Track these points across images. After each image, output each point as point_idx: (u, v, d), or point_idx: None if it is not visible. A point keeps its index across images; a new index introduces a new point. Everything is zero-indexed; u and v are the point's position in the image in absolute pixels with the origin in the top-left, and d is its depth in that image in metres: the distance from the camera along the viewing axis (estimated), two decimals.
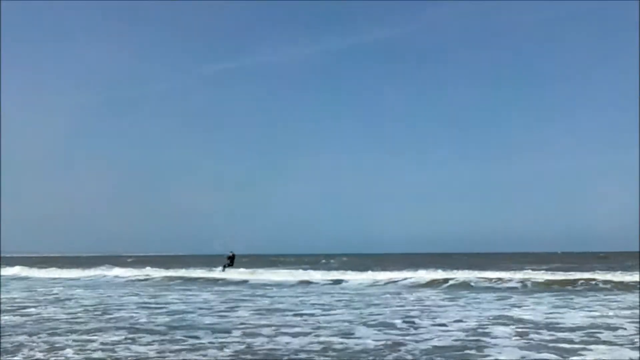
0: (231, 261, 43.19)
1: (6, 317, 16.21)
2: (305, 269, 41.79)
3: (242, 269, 41.76)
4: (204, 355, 10.44)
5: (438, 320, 15.25)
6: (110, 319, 15.87)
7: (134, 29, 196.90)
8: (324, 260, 64.45)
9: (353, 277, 32.52)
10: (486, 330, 13.32)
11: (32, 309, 18.45)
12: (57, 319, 15.74)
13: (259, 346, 11.32)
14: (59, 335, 12.79)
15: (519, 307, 18.59)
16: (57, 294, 25.76)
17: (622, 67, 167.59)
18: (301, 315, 16.66)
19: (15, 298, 23.32)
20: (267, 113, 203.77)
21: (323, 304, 19.96)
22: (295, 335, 12.72)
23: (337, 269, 43.17)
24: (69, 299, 22.51)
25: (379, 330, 13.48)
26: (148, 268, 46.33)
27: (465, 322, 14.94)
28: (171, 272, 40.90)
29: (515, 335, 12.50)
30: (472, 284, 28.41)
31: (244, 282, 33.76)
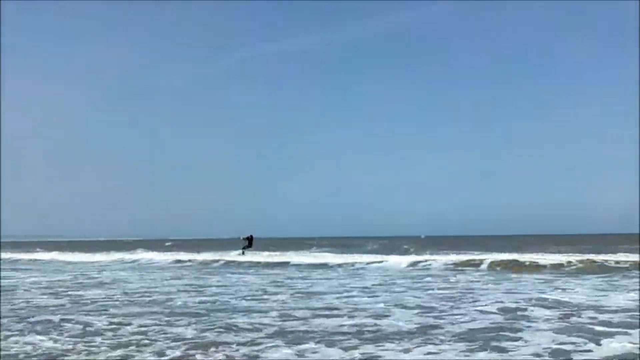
0: (249, 242, 42.55)
1: (46, 299, 16.61)
2: (343, 252, 41.70)
3: (278, 252, 41.93)
4: (238, 336, 10.48)
5: (477, 303, 15.06)
6: (151, 301, 16.10)
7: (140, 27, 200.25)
8: (364, 244, 64.10)
9: (393, 260, 32.27)
10: (525, 313, 13.09)
11: (73, 292, 18.87)
12: (97, 302, 16.04)
13: (292, 328, 11.33)
14: (95, 316, 13.03)
15: (562, 289, 18.25)
16: (99, 277, 26.30)
17: (621, 61, 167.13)
18: (340, 297, 16.64)
19: (56, 281, 23.88)
20: (284, 102, 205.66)
21: (362, 286, 19.90)
22: (330, 317, 12.70)
23: (376, 251, 42.94)
24: (112, 282, 22.96)
25: (416, 312, 13.36)
26: (183, 252, 46.59)
27: (505, 304, 14.71)
28: (212, 255, 41.23)
29: (553, 318, 12.24)
30: (514, 265, 27.93)
31: (285, 263, 33.97)
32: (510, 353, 8.88)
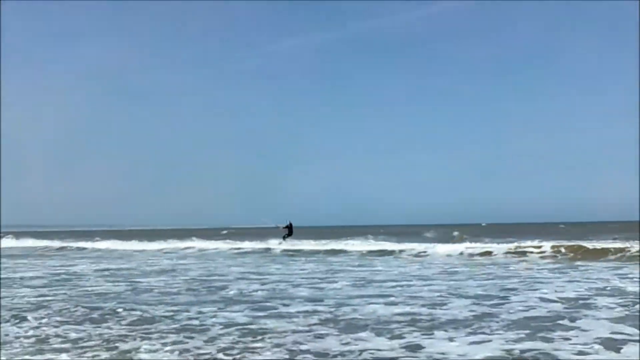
0: (289, 231, 41.94)
1: (109, 286, 17.06)
2: (401, 240, 40.96)
3: (325, 239, 41.70)
4: (291, 323, 10.54)
5: (538, 290, 14.72)
6: (210, 288, 16.35)
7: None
8: (422, 231, 62.40)
9: (453, 247, 31.55)
10: (586, 301, 12.70)
11: (135, 279, 19.36)
12: (157, 289, 16.40)
13: (345, 316, 11.31)
14: (154, 303, 13.31)
15: (627, 276, 17.63)
16: (161, 265, 26.90)
17: (622, 59, 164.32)
18: (397, 285, 16.54)
19: (119, 269, 24.54)
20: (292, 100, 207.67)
21: (421, 274, 19.73)
22: (385, 305, 12.62)
23: (435, 239, 42.10)
24: (173, 270, 23.44)
25: (473, 300, 13.14)
26: (239, 241, 46.21)
27: (566, 291, 14.34)
28: (262, 244, 41.24)
29: (614, 307, 11.81)
30: (577, 251, 27.01)
31: (342, 252, 33.96)
32: (558, 342, 8.61)
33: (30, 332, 9.93)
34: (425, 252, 30.80)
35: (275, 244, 39.84)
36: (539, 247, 28.63)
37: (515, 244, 30.89)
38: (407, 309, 12.03)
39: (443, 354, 8.11)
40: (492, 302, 12.81)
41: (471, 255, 28.74)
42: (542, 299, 13.15)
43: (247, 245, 41.46)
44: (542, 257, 26.46)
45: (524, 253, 27.87)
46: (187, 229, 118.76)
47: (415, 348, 8.49)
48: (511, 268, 21.69)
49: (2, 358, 8.24)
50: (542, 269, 21.33)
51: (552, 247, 28.10)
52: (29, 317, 11.44)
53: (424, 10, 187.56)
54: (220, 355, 8.22)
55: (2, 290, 16.37)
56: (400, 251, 31.76)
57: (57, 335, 9.66)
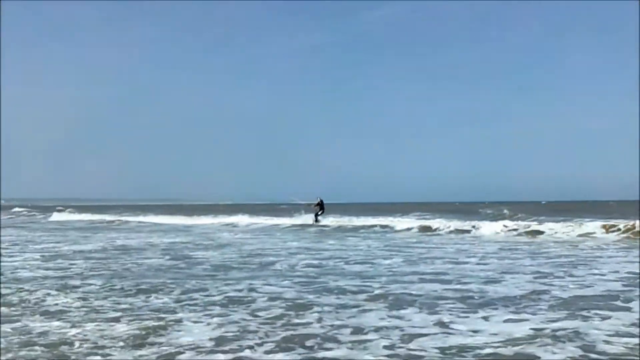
0: (321, 208, 40.03)
1: (163, 260, 17.38)
2: (459, 217, 40.24)
3: (379, 217, 41.30)
4: (337, 298, 10.53)
5: (597, 270, 14.31)
6: (262, 262, 16.51)
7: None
8: (480, 209, 60.73)
9: (512, 225, 30.65)
10: None
11: (190, 252, 19.76)
12: (209, 263, 16.66)
13: (392, 292, 11.21)
14: (204, 277, 13.51)
15: None
16: (214, 239, 27.37)
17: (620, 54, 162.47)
18: (450, 262, 16.37)
19: (174, 242, 25.07)
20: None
21: (476, 252, 19.46)
22: (434, 282, 12.49)
23: (493, 217, 41.14)
24: (228, 244, 23.82)
25: (527, 279, 12.84)
26: (277, 218, 46.15)
27: (627, 272, 13.84)
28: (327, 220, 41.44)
29: None
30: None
31: (396, 228, 33.88)
32: (597, 322, 8.30)
33: (81, 302, 10.21)
34: (482, 228, 30.35)
35: (321, 222, 39.68)
36: (600, 224, 27.68)
37: (576, 221, 30.07)
38: (458, 286, 11.84)
39: (474, 331, 7.93)
40: (545, 280, 12.52)
41: (529, 232, 28.10)
42: (600, 278, 12.76)
43: (300, 220, 41.61)
44: (604, 234, 25.65)
45: (584, 229, 27.02)
46: (235, 204, 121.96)
47: (448, 325, 8.34)
48: (570, 246, 21.15)
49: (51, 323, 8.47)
50: (604, 247, 20.73)
51: (614, 224, 27.11)
52: (80, 288, 11.79)
53: (426, 6, 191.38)
54: (254, 327, 8.25)
55: (57, 261, 16.90)
56: (456, 228, 31.33)
57: (108, 306, 9.89)
